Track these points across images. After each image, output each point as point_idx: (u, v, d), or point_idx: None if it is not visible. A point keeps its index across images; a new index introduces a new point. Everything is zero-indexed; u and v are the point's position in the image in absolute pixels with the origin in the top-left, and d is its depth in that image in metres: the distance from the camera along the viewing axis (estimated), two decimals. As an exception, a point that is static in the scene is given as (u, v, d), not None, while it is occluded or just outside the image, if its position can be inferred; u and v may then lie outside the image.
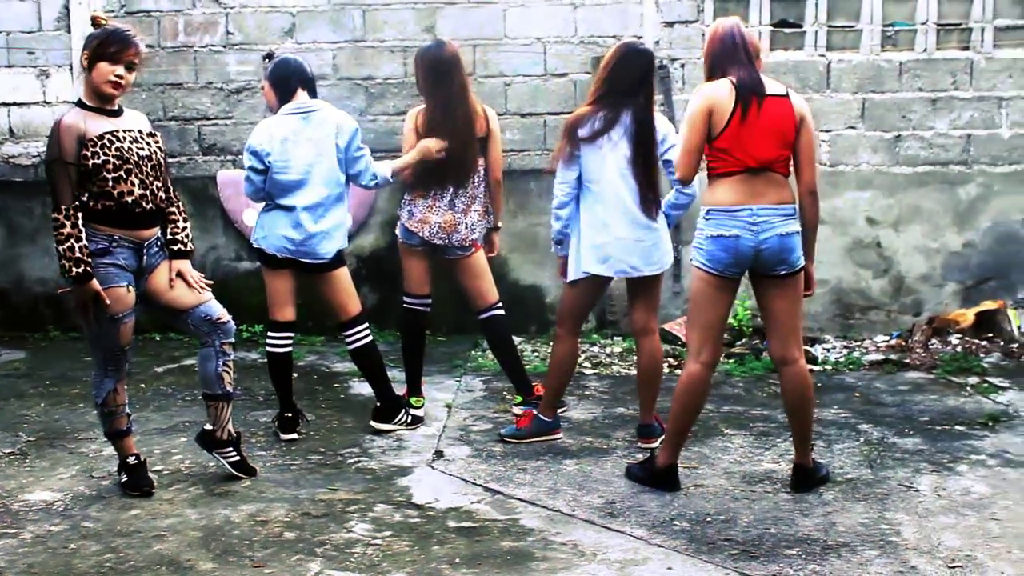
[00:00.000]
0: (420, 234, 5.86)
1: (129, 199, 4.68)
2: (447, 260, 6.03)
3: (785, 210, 4.74)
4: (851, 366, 7.44)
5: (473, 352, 7.72)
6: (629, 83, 5.34)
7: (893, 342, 7.97)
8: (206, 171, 8.46)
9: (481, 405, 6.45)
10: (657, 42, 8.13)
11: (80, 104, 4.76)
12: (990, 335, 7.91)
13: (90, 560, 4.18)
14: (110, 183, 4.64)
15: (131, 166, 4.68)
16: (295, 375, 6.11)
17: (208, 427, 5.12)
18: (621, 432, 5.87)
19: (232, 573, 4.06)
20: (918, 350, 7.69)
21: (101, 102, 4.74)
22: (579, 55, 8.25)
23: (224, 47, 8.42)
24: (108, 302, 4.65)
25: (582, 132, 5.38)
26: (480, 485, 5.03)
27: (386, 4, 8.29)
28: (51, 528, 4.52)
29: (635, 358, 6.47)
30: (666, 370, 6.12)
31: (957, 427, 5.97)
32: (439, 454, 5.48)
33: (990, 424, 5.99)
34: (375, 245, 8.32)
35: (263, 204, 5.75)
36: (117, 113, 4.79)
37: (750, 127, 4.66)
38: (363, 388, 6.58)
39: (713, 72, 4.81)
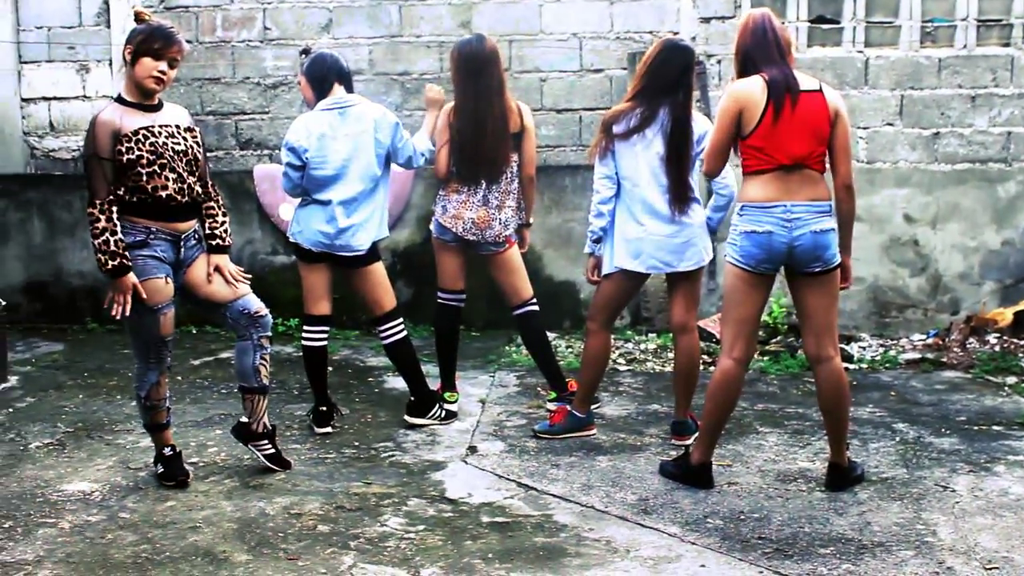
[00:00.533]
0: (454, 230, 5.87)
1: (163, 193, 4.71)
2: (481, 256, 6.04)
3: (820, 207, 4.71)
4: (887, 365, 7.39)
5: (507, 347, 7.72)
6: (668, 80, 5.33)
7: (930, 341, 7.91)
8: (243, 165, 8.51)
9: (515, 400, 6.45)
10: (694, 38, 8.10)
11: (119, 99, 4.79)
12: (1029, 334, 7.85)
13: (126, 550, 4.21)
14: (144, 178, 4.66)
15: (165, 161, 4.70)
16: (330, 369, 6.14)
17: (244, 420, 5.14)
18: (655, 429, 5.86)
19: (266, 565, 4.09)
20: (955, 349, 7.63)
21: (142, 97, 4.76)
22: (615, 51, 8.24)
23: (261, 42, 8.46)
24: (145, 295, 4.68)
25: (617, 128, 5.38)
26: (513, 480, 5.03)
27: (422, 0, 8.31)
28: (88, 518, 4.56)
29: (670, 355, 6.48)
30: (701, 367, 6.09)
31: (994, 427, 5.92)
32: (473, 449, 5.49)
33: (1028, 424, 5.95)
34: (410, 240, 8.34)
35: (299, 199, 5.78)
36: (156, 108, 4.81)
37: (784, 125, 4.63)
38: (397, 382, 6.60)
39: (745, 67, 4.76)
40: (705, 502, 4.76)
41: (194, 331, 8.28)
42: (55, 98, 8.69)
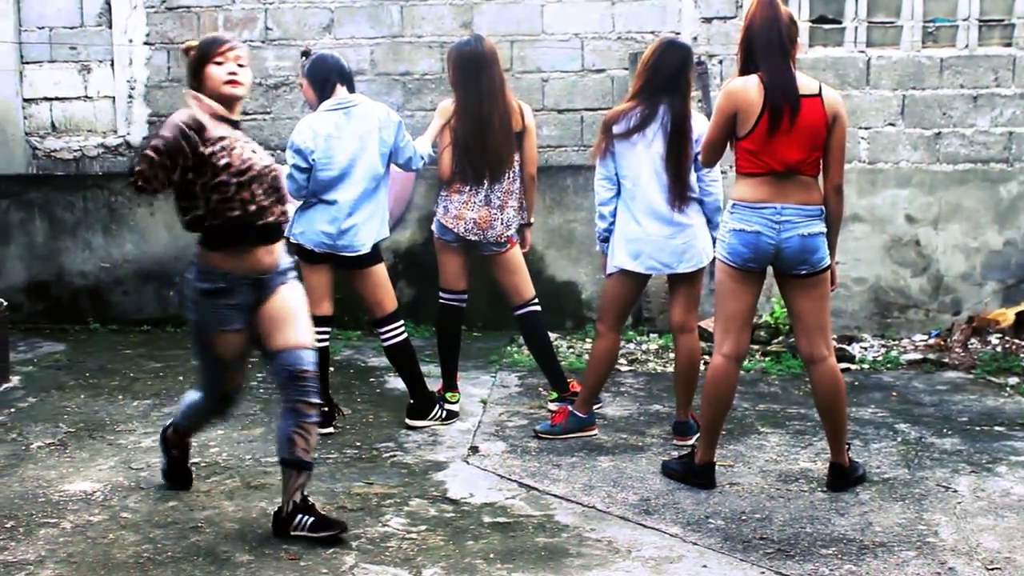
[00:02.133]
0: (455, 230, 5.87)
1: (251, 208, 4.26)
2: (483, 256, 6.04)
3: (810, 211, 4.71)
4: (889, 365, 7.39)
5: (509, 348, 7.72)
6: (666, 78, 5.34)
7: (932, 341, 7.91)
8: (244, 166, 8.49)
9: (516, 401, 6.45)
10: (695, 38, 8.11)
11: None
12: (1030, 335, 7.84)
13: (128, 550, 4.21)
14: (232, 189, 4.20)
15: (254, 175, 4.27)
16: (332, 369, 6.14)
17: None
18: (656, 429, 5.86)
19: (268, 565, 4.09)
20: (957, 350, 7.63)
21: (226, 108, 4.41)
22: (617, 51, 8.23)
23: (263, 43, 8.46)
24: (217, 347, 4.36)
25: (617, 128, 5.39)
26: (515, 481, 5.03)
27: (424, 0, 8.31)
28: (90, 518, 4.56)
29: (671, 355, 6.47)
30: (702, 368, 6.09)
31: (996, 428, 5.92)
32: (474, 449, 5.49)
33: (1030, 425, 5.95)
34: (411, 241, 8.34)
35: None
36: (237, 125, 4.46)
37: (780, 133, 4.63)
38: (399, 383, 6.60)
39: (747, 61, 4.74)
40: (707, 502, 4.76)
41: (196, 331, 8.28)
42: (57, 98, 8.69)
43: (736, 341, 4.87)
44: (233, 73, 4.37)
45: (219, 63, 4.37)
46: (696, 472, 4.96)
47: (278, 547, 4.25)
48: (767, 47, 4.67)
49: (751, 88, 4.66)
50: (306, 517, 4.30)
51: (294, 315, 4.40)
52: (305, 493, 4.36)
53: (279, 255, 4.40)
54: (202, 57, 4.41)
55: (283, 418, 4.32)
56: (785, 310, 7.77)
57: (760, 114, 4.62)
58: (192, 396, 4.69)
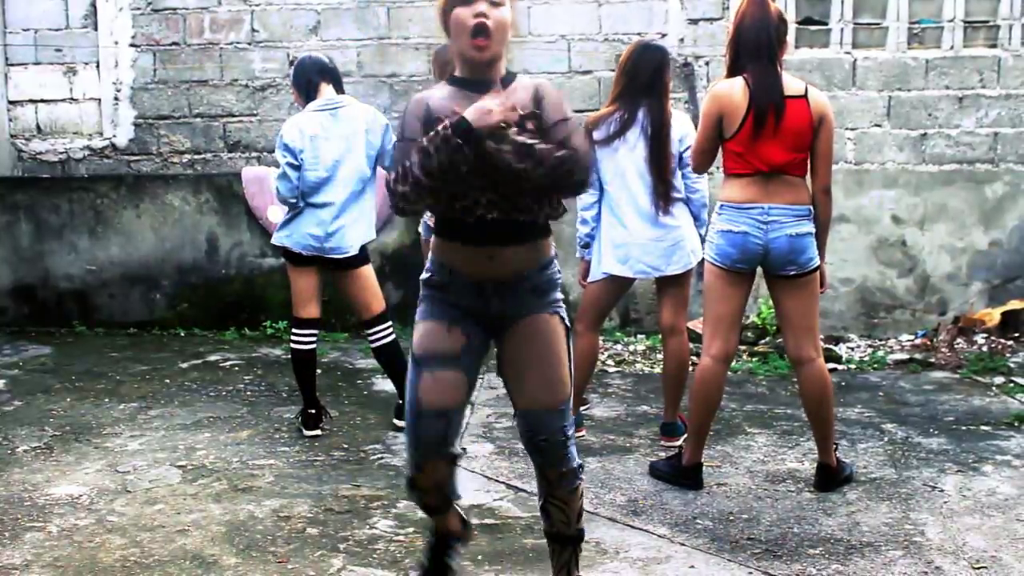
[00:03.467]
0: (444, 231, 5.86)
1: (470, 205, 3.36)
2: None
3: (798, 211, 4.71)
4: (875, 365, 7.41)
5: (495, 350, 7.70)
6: (644, 80, 5.36)
7: (918, 341, 7.93)
8: (231, 168, 8.50)
9: (504, 402, 6.44)
10: (682, 39, 8.12)
11: (451, 81, 3.48)
12: (1016, 335, 7.87)
13: (115, 554, 4.20)
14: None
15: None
16: (319, 371, 6.13)
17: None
18: (644, 430, 5.86)
19: (255, 568, 4.08)
20: (943, 349, 7.65)
21: (469, 72, 3.41)
22: (603, 52, 8.24)
23: (249, 44, 8.46)
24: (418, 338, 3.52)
25: (597, 135, 5.39)
26: (502, 482, 5.03)
27: (411, 1, 8.31)
28: (76, 522, 4.54)
29: (659, 356, 6.48)
30: (690, 369, 6.10)
31: (983, 427, 5.93)
32: (463, 451, 5.48)
33: (1016, 424, 5.95)
34: (399, 242, 8.33)
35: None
36: (490, 85, 3.35)
37: (765, 134, 4.64)
38: (386, 385, 6.59)
39: (735, 65, 4.75)
40: (694, 503, 4.76)
41: (182, 333, 8.27)
42: (42, 100, 8.68)
43: (724, 342, 4.87)
44: (481, 14, 3.26)
45: (465, 4, 3.31)
46: (684, 473, 4.97)
47: (265, 550, 4.24)
48: (755, 49, 4.68)
49: (736, 90, 4.68)
50: None
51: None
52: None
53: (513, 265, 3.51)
54: None
55: (539, 490, 3.61)
56: (771, 311, 7.81)
57: (745, 115, 4.64)
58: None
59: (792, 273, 4.76)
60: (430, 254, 3.54)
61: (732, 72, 4.76)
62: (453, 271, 3.44)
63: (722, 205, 4.79)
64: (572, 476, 3.47)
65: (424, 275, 3.53)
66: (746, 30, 4.71)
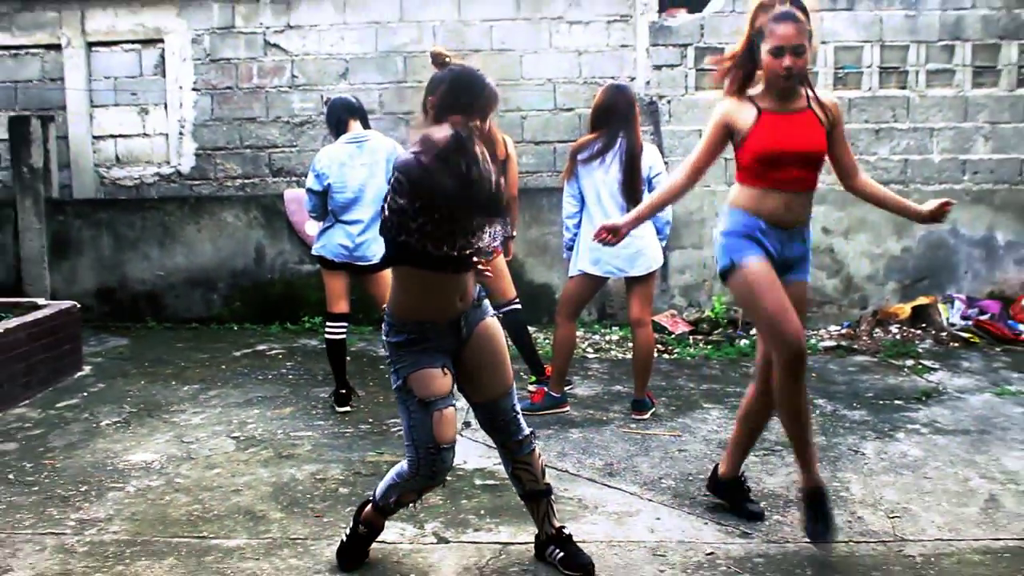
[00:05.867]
0: (450, 242, 5.86)
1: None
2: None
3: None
4: (809, 351, 7.35)
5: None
6: (620, 114, 5.38)
7: (843, 331, 7.93)
8: (275, 190, 8.49)
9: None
10: (648, 82, 8.12)
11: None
12: (924, 325, 7.87)
13: (181, 510, 4.20)
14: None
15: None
16: (348, 358, 6.12)
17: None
18: (617, 406, 5.85)
19: (297, 521, 4.08)
20: (864, 338, 7.65)
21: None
22: (583, 93, 8.24)
23: (290, 88, 8.45)
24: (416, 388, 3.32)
25: (581, 156, 5.47)
26: (501, 449, 5.02)
27: (423, 52, 8.30)
28: (149, 483, 4.54)
29: (630, 344, 6.47)
30: (655, 355, 6.09)
31: (896, 401, 5.93)
32: (467, 424, 5.47)
33: (923, 399, 5.95)
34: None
35: (324, 220, 5.75)
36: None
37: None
38: (405, 369, 6.58)
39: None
40: (660, 466, 4.76)
41: (235, 327, 8.25)
42: (120, 135, 8.66)
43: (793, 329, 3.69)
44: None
45: (466, 116, 3.31)
46: (722, 485, 4.22)
47: (305, 506, 4.24)
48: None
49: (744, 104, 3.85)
50: (557, 550, 3.60)
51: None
52: (557, 523, 3.64)
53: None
54: (449, 100, 3.36)
55: (504, 462, 3.62)
56: (724, 306, 7.82)
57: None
58: (381, 489, 3.56)
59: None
60: (391, 317, 3.33)
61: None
62: (425, 323, 3.30)
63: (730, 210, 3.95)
64: (528, 441, 3.53)
65: (395, 339, 3.32)
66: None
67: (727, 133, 3.83)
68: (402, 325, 3.31)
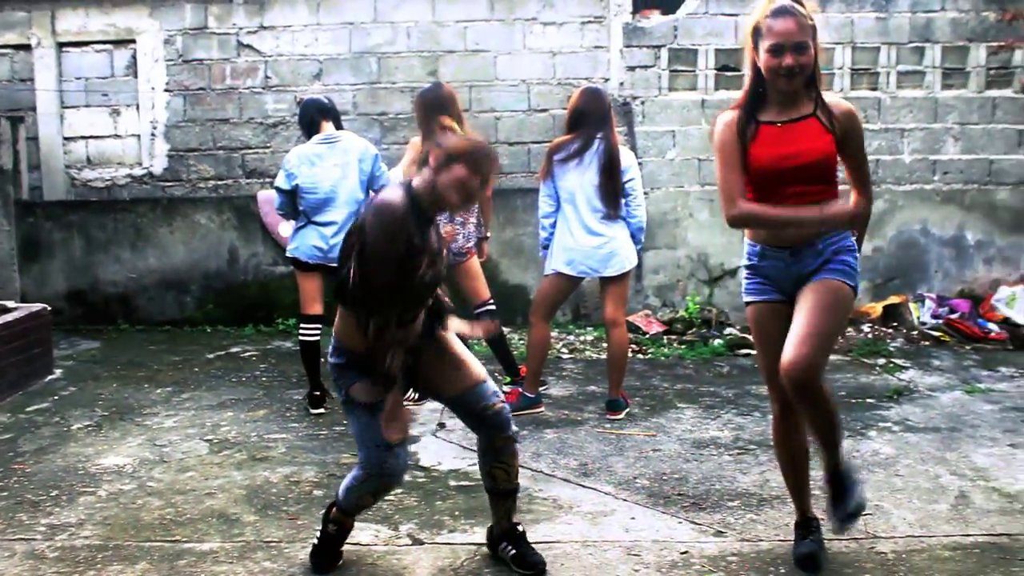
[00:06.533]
0: (425, 243, 5.85)
1: None
2: (447, 265, 6.01)
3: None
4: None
5: (469, 341, 7.69)
6: (596, 116, 5.39)
7: (816, 330, 7.96)
8: (248, 192, 8.44)
9: (477, 384, 6.42)
10: (621, 83, 8.14)
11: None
12: (895, 324, 7.93)
13: (154, 513, 4.16)
14: None
15: None
16: (322, 360, 6.09)
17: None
18: (592, 406, 5.86)
19: (271, 524, 4.05)
20: (836, 337, 7.69)
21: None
22: (557, 94, 8.24)
23: (263, 89, 8.40)
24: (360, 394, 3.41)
25: (557, 156, 5.47)
26: (475, 451, 4.98)
27: (397, 53, 8.29)
28: (122, 487, 4.50)
29: (605, 345, 6.48)
30: (630, 355, 6.10)
31: (868, 400, 5.97)
32: (441, 425, 5.46)
33: (895, 397, 6.00)
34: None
35: (296, 222, 5.74)
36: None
37: None
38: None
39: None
40: (634, 466, 4.77)
41: (208, 329, 8.20)
42: (91, 136, 8.58)
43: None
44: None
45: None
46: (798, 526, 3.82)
47: (279, 509, 4.22)
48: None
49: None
50: (509, 547, 3.61)
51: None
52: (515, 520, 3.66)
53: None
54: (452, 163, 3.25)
55: (483, 455, 3.62)
56: (697, 307, 7.85)
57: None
58: (342, 491, 3.57)
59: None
60: (335, 340, 3.37)
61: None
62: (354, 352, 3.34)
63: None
64: (513, 439, 3.56)
65: (337, 360, 3.42)
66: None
67: (739, 146, 3.42)
68: (344, 350, 3.39)
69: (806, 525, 3.72)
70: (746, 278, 3.64)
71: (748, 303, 3.64)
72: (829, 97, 3.50)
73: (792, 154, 3.40)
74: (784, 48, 3.31)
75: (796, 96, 3.41)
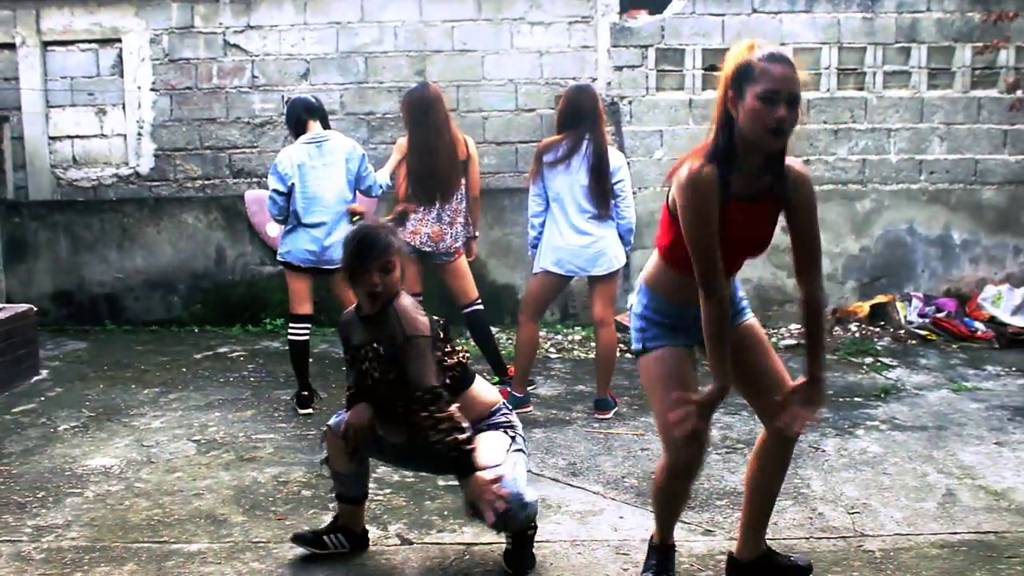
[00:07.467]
0: (412, 243, 5.85)
1: None
2: (435, 264, 6.02)
3: None
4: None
5: (457, 340, 7.68)
6: (584, 114, 5.39)
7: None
8: (236, 191, 8.41)
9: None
10: (609, 83, 8.14)
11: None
12: (882, 323, 7.96)
13: (141, 515, 4.15)
14: None
15: None
16: (311, 360, 6.09)
17: None
18: (580, 406, 5.87)
19: (259, 524, 4.04)
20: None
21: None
22: (545, 93, 8.25)
23: (250, 88, 8.38)
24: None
25: (547, 157, 5.45)
26: (465, 450, 5.01)
27: (384, 52, 8.27)
28: (109, 488, 4.48)
29: (593, 344, 6.49)
30: (618, 354, 6.10)
31: (856, 398, 6.00)
32: (431, 424, 5.45)
33: (882, 396, 6.02)
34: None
35: (285, 225, 5.72)
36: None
37: None
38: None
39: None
40: (622, 465, 4.78)
41: (195, 330, 8.18)
42: (77, 136, 8.54)
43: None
44: (375, 284, 3.62)
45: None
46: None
47: (268, 509, 4.21)
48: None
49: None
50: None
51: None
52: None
53: None
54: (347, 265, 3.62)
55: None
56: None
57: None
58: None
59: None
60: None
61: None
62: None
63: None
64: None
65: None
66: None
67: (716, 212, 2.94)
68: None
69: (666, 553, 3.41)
70: (641, 328, 3.27)
71: (647, 349, 3.24)
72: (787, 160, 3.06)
73: (751, 236, 3.13)
74: (779, 97, 2.81)
75: (770, 158, 2.99)
